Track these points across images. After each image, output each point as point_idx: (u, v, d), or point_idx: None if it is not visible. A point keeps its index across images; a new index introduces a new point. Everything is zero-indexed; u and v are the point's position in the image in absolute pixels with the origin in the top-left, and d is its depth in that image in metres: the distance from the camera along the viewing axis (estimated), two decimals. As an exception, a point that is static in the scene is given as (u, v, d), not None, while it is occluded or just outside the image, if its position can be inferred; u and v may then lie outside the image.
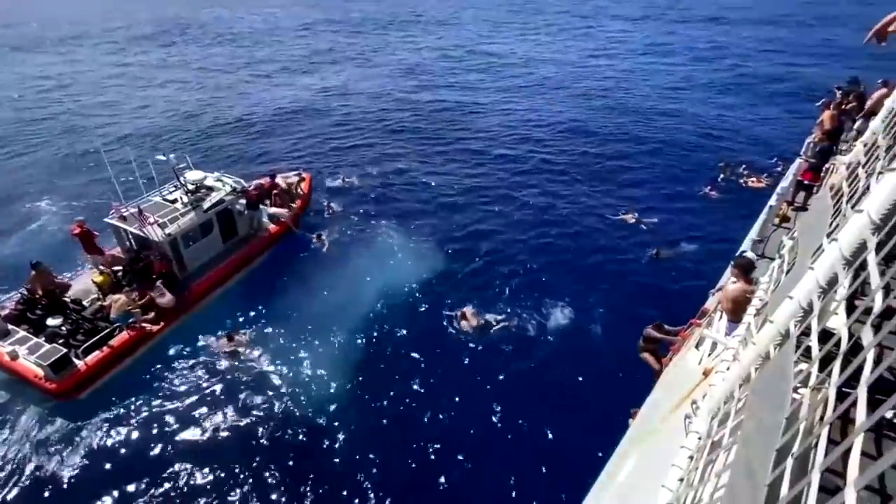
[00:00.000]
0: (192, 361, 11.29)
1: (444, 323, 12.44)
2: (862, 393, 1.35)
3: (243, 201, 13.88)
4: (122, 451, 9.47)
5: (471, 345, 11.95)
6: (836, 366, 1.76)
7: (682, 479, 2.42)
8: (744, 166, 20.54)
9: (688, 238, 16.53)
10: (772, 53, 41.88)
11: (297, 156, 22.17)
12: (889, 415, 1.90)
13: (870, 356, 1.46)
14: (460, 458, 9.48)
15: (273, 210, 15.01)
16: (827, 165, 8.15)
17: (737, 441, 2.23)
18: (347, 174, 19.39)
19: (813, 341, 2.12)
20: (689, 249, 15.72)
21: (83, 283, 12.16)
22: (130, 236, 12.46)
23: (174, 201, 12.70)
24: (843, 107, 10.60)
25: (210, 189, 13.20)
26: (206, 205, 12.68)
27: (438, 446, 9.68)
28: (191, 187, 12.83)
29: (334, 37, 49.40)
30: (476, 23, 59.64)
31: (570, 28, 55.12)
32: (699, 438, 2.61)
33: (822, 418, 1.89)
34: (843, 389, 1.73)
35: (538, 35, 53.41)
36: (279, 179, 16.11)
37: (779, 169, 19.88)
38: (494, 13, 63.95)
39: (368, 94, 31.09)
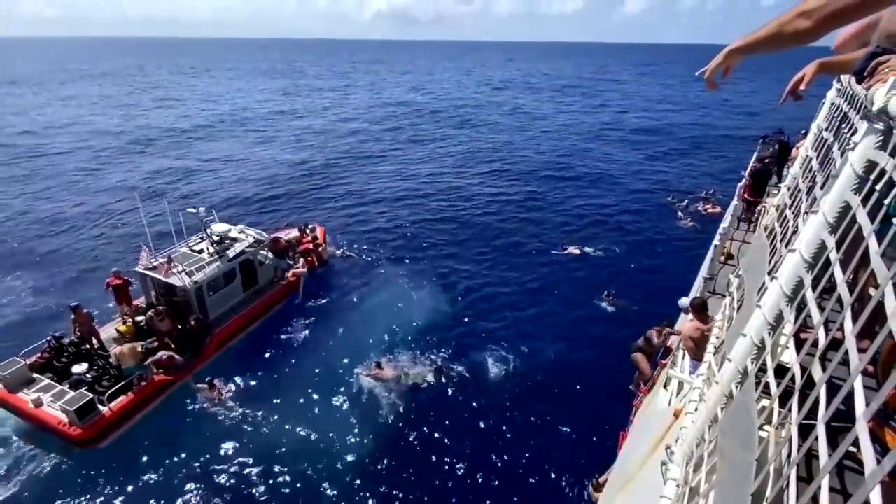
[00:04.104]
0: (202, 409, 11.22)
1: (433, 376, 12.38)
2: (821, 431, 1.38)
3: (264, 252, 14.53)
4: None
5: (463, 396, 11.81)
6: (794, 402, 1.81)
7: (665, 532, 2.35)
8: (686, 201, 22.23)
9: (646, 270, 17.35)
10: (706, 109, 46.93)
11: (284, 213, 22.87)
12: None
13: (822, 391, 1.51)
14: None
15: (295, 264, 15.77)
16: (759, 207, 8.86)
17: (713, 486, 2.21)
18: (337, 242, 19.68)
19: (770, 378, 2.18)
20: (643, 285, 16.37)
21: (107, 332, 12.46)
22: (157, 285, 12.84)
23: (200, 251, 13.28)
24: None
25: (234, 240, 13.86)
26: (230, 254, 13.32)
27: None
28: (216, 238, 13.44)
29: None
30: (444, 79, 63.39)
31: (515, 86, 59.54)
32: (677, 486, 2.57)
33: (789, 456, 1.91)
34: (805, 422, 1.77)
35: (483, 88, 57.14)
36: (295, 232, 17.21)
37: (712, 199, 21.59)
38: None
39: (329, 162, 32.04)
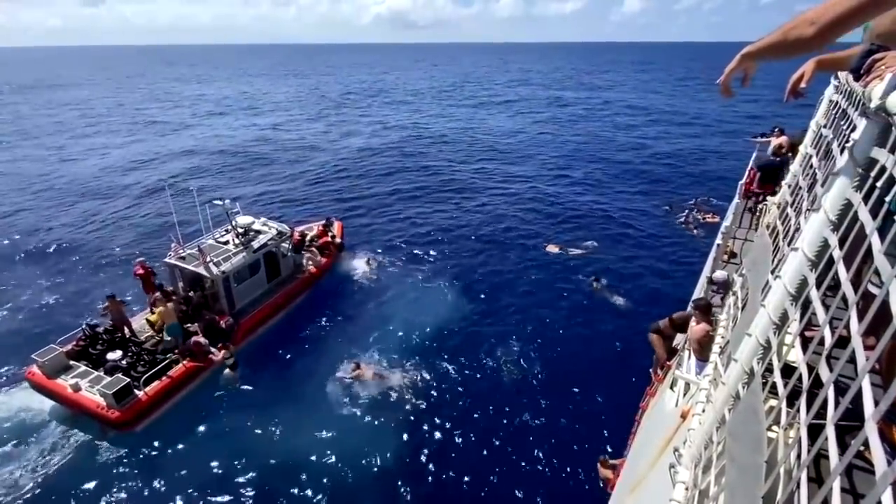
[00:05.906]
0: (227, 397, 11.65)
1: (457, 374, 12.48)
2: (830, 432, 1.37)
3: (286, 244, 14.84)
4: (177, 487, 9.41)
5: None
6: (802, 403, 1.80)
7: (676, 536, 2.33)
8: (686, 209, 22.26)
9: (646, 271, 17.44)
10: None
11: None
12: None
13: (831, 392, 1.49)
14: None
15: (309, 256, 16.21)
16: (760, 206, 8.84)
17: (723, 489, 2.19)
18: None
19: (777, 378, 2.15)
20: (645, 284, 16.48)
21: (137, 323, 12.86)
22: (184, 275, 13.22)
23: (226, 243, 13.67)
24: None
25: (258, 232, 14.22)
26: (255, 245, 13.66)
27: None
28: (241, 230, 13.80)
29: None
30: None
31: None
32: (686, 489, 2.54)
33: (798, 457, 1.89)
34: (815, 421, 1.75)
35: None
36: (315, 229, 17.58)
37: (708, 209, 21.65)
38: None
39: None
